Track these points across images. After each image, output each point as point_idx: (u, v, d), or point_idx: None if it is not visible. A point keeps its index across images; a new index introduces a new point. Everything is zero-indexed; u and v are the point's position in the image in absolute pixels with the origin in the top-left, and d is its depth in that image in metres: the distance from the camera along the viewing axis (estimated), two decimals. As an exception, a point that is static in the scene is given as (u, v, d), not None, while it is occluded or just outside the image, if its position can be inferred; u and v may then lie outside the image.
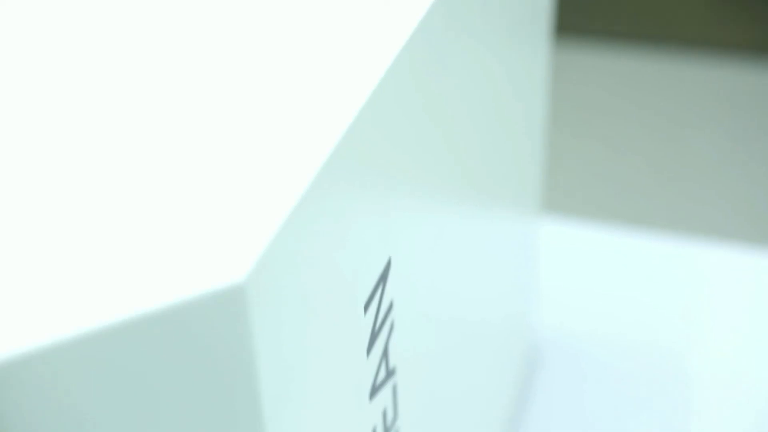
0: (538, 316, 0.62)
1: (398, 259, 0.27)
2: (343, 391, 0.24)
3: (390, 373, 0.28)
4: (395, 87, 0.25)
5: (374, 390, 0.27)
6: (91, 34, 0.26)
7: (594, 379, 0.60)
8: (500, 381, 0.50)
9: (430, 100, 0.28)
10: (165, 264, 0.18)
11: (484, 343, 0.44)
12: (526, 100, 0.44)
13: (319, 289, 0.21)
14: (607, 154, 1.24)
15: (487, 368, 0.45)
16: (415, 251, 0.29)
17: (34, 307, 0.17)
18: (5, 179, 0.21)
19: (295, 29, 0.26)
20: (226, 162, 0.21)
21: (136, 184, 0.20)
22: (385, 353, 0.27)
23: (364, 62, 0.24)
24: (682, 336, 0.62)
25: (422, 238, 0.30)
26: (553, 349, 0.61)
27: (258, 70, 0.24)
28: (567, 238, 0.70)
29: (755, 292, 0.65)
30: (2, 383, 0.16)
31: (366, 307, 0.24)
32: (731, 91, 1.65)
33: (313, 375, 0.22)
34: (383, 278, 0.26)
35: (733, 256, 0.68)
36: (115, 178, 0.20)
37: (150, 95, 0.23)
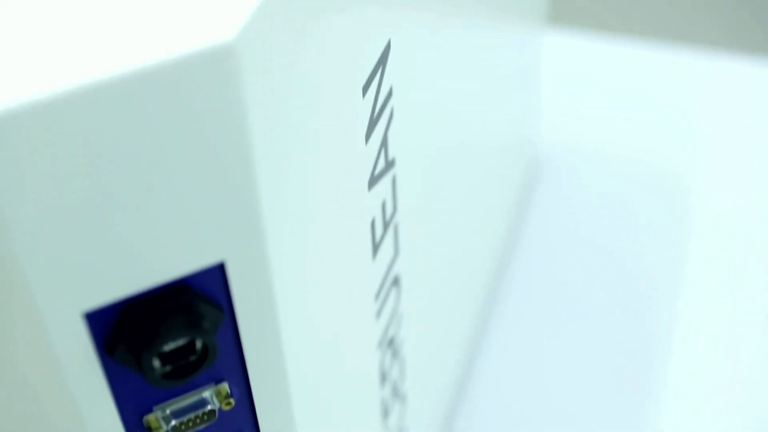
0: (539, 129, 0.61)
1: (398, 44, 0.26)
2: (340, 176, 0.23)
3: (389, 165, 0.27)
4: None
5: (373, 180, 0.26)
6: None
7: (592, 193, 0.59)
8: (500, 192, 0.50)
9: None
10: (162, 26, 0.17)
11: (484, 152, 0.43)
12: None
13: (314, 62, 0.20)
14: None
15: (486, 177, 0.45)
16: (415, 39, 0.28)
17: (43, 65, 0.16)
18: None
19: None
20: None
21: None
22: (384, 142, 0.26)
23: None
24: (682, 152, 0.62)
25: (423, 27, 0.29)
26: (553, 163, 0.61)
27: None
28: (570, 51, 0.69)
29: (759, 103, 0.64)
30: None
31: (365, 90, 0.23)
32: None
33: (309, 152, 0.21)
34: (382, 61, 0.24)
35: (738, 66, 0.67)
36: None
37: None
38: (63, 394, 0.20)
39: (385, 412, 0.33)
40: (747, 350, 0.51)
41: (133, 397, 0.21)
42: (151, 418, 0.21)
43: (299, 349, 0.23)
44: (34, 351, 0.20)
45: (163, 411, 0.21)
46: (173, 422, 0.21)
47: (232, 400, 0.22)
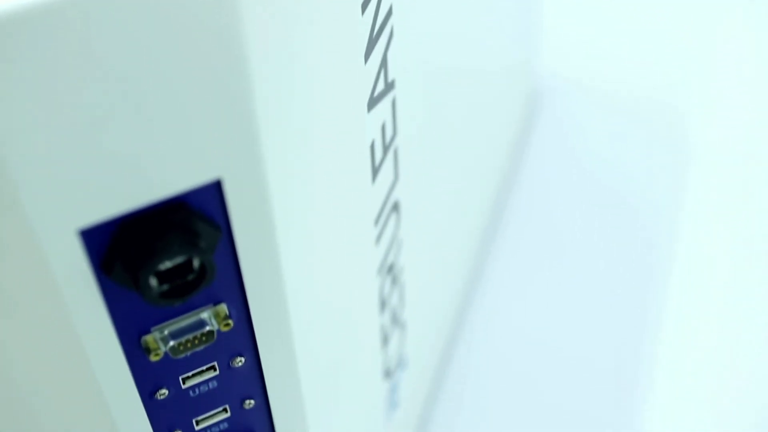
0: (540, 59, 0.60)
1: (398, -39, 0.25)
2: (339, 95, 0.23)
3: (389, 86, 0.26)
4: None
5: (373, 101, 0.25)
6: None
7: (592, 125, 0.59)
8: (500, 120, 0.50)
9: None
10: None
11: (484, 79, 0.43)
12: None
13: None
14: None
15: (486, 105, 0.44)
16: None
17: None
18: None
19: None
20: None
21: None
22: (383, 63, 0.26)
23: None
24: (685, 85, 0.61)
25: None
26: (554, 94, 0.60)
27: None
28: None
29: (764, 40, 0.63)
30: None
31: (363, 7, 0.23)
32: None
33: (307, 68, 0.21)
34: (382, -23, 0.24)
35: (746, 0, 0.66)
36: None
37: None
38: (60, 315, 0.20)
39: (385, 339, 0.33)
40: (746, 282, 0.51)
41: (130, 318, 0.21)
42: (149, 338, 0.21)
43: (298, 271, 0.23)
44: (30, 272, 0.19)
45: (161, 332, 0.21)
46: (171, 343, 0.21)
47: (230, 322, 0.22)
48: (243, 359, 0.23)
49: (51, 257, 0.19)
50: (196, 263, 0.20)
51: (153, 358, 0.21)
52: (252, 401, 0.24)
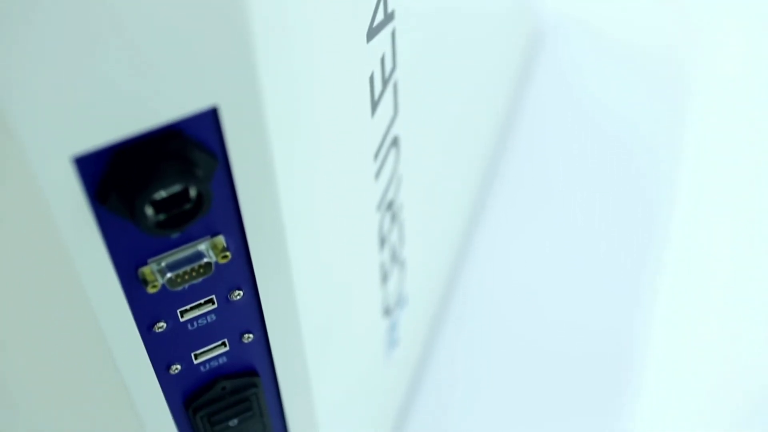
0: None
1: None
2: (337, 22, 0.22)
3: (389, 17, 0.26)
4: None
5: (372, 31, 0.25)
6: None
7: (593, 67, 0.58)
8: (501, 58, 0.49)
9: None
10: None
11: (485, 15, 0.42)
12: None
13: None
14: None
15: (488, 42, 0.44)
16: None
17: None
18: None
19: None
20: None
21: None
22: (383, -7, 0.25)
23: None
24: (688, 32, 0.60)
25: None
26: (556, 35, 0.59)
27: None
28: None
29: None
30: None
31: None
32: None
33: (305, 8, 0.20)
34: None
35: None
36: None
37: None
38: (56, 247, 0.20)
39: (384, 276, 0.33)
40: (743, 227, 0.51)
41: (127, 249, 0.20)
42: (146, 270, 0.21)
43: (296, 203, 0.22)
44: (24, 201, 0.19)
45: (159, 263, 0.21)
46: (169, 275, 0.21)
47: (228, 254, 0.21)
48: (241, 292, 0.23)
49: (45, 185, 0.18)
50: (192, 192, 0.19)
51: (150, 290, 0.21)
52: (251, 335, 0.24)
